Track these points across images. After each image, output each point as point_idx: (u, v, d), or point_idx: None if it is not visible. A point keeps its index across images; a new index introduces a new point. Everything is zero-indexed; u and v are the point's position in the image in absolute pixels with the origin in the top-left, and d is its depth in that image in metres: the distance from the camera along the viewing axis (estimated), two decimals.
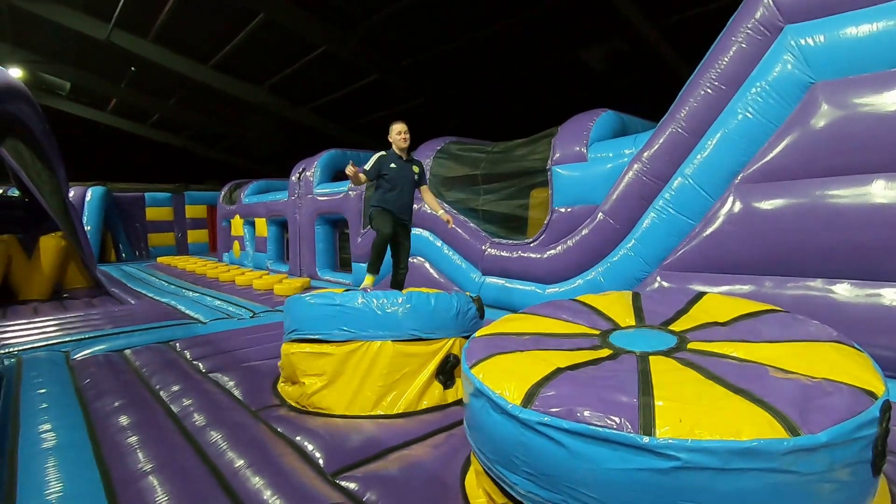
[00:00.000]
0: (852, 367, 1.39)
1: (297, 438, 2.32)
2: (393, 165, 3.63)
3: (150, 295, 6.80)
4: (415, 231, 6.15)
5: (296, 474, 1.97)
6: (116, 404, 2.72)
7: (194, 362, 3.57)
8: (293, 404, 2.80)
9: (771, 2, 3.18)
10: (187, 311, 5.46)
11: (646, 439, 1.16)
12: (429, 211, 5.82)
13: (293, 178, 8.70)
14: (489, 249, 5.25)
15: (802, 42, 3.05)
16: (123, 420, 2.51)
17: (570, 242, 4.43)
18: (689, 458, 1.13)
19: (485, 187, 5.50)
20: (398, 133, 3.50)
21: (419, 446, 2.26)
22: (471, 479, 1.85)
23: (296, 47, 10.48)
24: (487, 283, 5.24)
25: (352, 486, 1.92)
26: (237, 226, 11.08)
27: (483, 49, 9.50)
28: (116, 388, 2.99)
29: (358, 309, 2.69)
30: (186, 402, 2.73)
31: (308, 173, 8.31)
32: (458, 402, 2.74)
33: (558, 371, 1.47)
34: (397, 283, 4.41)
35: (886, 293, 2.78)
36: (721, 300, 2.04)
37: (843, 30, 2.91)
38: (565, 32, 8.44)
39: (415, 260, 6.21)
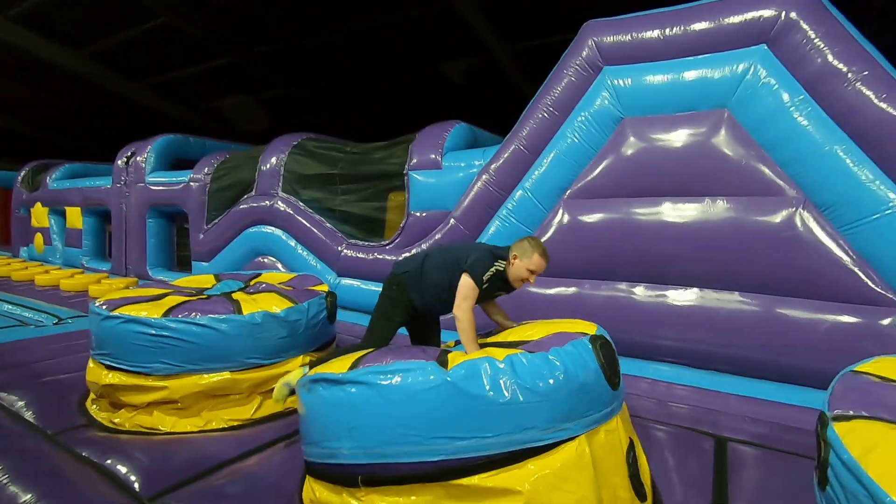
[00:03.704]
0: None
1: (108, 462, 2.03)
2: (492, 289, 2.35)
3: None
4: (266, 229, 5.81)
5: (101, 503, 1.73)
6: None
7: None
8: (107, 423, 2.44)
9: (594, 44, 3.69)
10: None
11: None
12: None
13: (119, 162, 7.56)
14: (346, 251, 5.18)
15: (616, 82, 3.60)
16: None
17: (424, 245, 4.58)
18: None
19: (342, 187, 5.41)
20: (529, 271, 2.26)
21: (256, 458, 2.15)
22: (308, 489, 1.81)
23: (128, 13, 9.13)
24: (343, 285, 5.16)
25: None
26: (40, 215, 9.23)
27: (345, 49, 9.37)
28: None
29: (185, 340, 2.38)
30: None
31: (139, 158, 7.29)
32: None
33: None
34: None
35: (670, 294, 3.41)
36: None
37: (645, 76, 3.51)
38: (426, 43, 8.73)
39: (266, 259, 5.85)
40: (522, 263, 2.25)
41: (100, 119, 14.09)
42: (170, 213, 7.21)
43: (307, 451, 1.74)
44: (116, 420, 2.44)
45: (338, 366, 1.72)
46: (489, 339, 2.15)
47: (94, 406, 2.60)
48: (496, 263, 2.27)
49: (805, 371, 2.89)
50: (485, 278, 2.23)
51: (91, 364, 2.56)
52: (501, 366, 1.54)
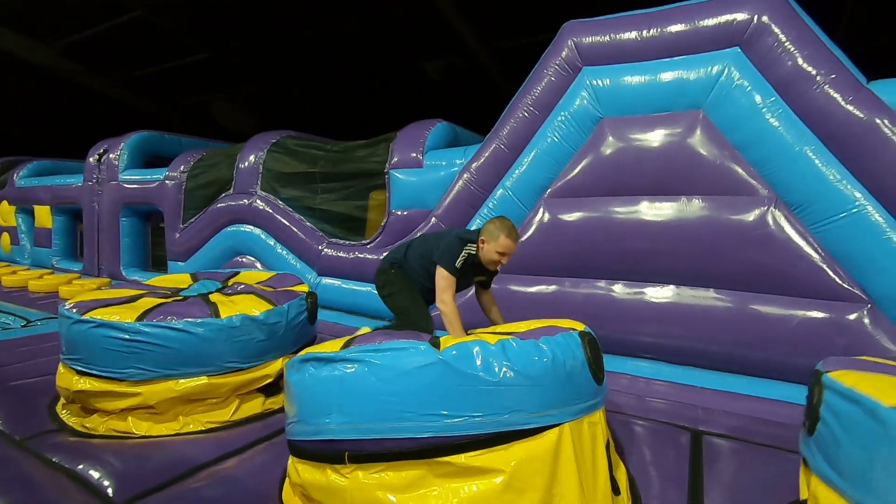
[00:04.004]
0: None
1: (80, 467, 1.98)
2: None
3: None
4: (244, 227, 5.72)
5: None
6: None
7: None
8: (79, 428, 2.38)
9: (574, 45, 3.73)
10: None
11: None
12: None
13: (91, 159, 7.35)
14: (326, 250, 5.14)
15: (595, 82, 3.64)
16: None
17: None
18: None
19: (323, 186, 5.36)
20: (498, 253, 2.28)
21: (235, 460, 2.11)
22: (287, 490, 1.80)
23: (101, 6, 8.88)
24: (323, 284, 5.12)
25: None
26: (6, 214, 8.93)
27: (325, 46, 9.27)
28: None
29: (160, 345, 2.30)
30: None
31: (112, 155, 7.10)
32: (281, 410, 2.62)
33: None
34: None
35: (648, 291, 3.47)
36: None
37: (623, 77, 3.56)
38: (406, 41, 8.69)
39: (245, 259, 5.76)
40: (491, 247, 2.26)
41: (70, 115, 13.66)
42: (144, 212, 7.04)
43: (293, 430, 1.70)
44: (88, 424, 2.38)
45: (329, 348, 1.73)
46: (478, 331, 2.17)
47: (65, 410, 2.52)
48: (466, 248, 2.28)
49: (777, 365, 2.97)
50: (457, 265, 2.24)
51: (61, 369, 2.48)
52: (493, 348, 1.57)
